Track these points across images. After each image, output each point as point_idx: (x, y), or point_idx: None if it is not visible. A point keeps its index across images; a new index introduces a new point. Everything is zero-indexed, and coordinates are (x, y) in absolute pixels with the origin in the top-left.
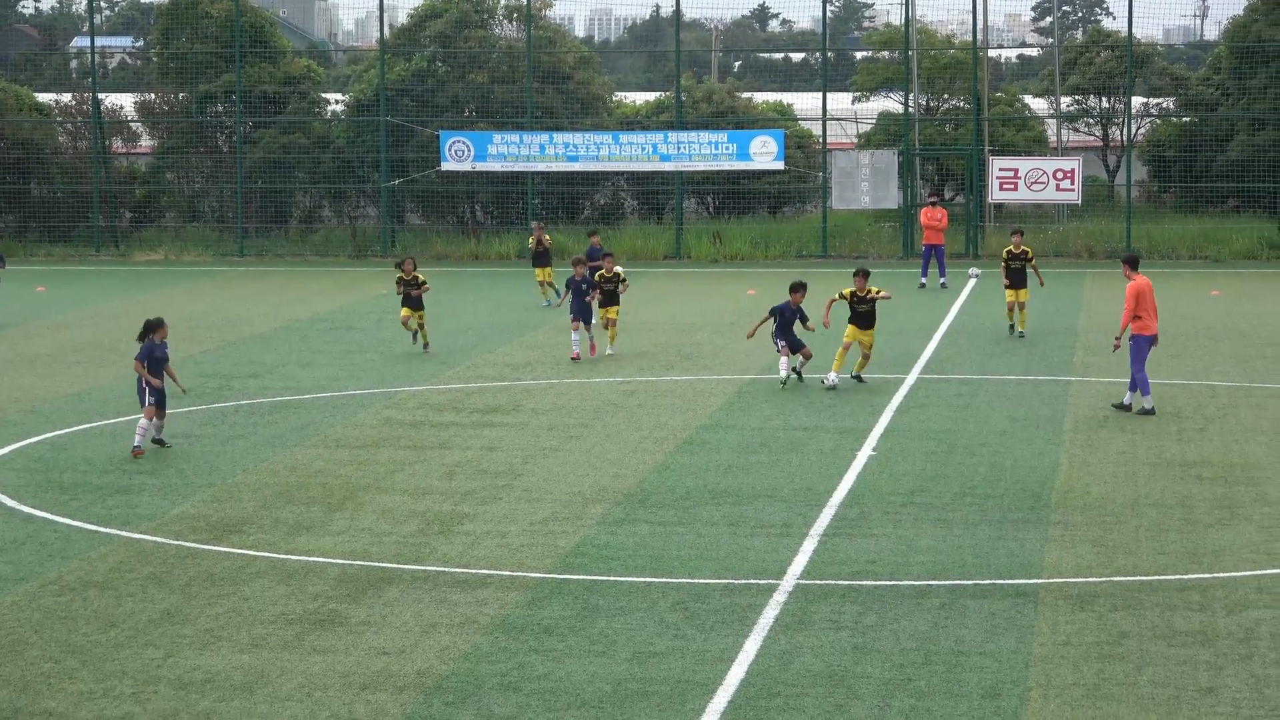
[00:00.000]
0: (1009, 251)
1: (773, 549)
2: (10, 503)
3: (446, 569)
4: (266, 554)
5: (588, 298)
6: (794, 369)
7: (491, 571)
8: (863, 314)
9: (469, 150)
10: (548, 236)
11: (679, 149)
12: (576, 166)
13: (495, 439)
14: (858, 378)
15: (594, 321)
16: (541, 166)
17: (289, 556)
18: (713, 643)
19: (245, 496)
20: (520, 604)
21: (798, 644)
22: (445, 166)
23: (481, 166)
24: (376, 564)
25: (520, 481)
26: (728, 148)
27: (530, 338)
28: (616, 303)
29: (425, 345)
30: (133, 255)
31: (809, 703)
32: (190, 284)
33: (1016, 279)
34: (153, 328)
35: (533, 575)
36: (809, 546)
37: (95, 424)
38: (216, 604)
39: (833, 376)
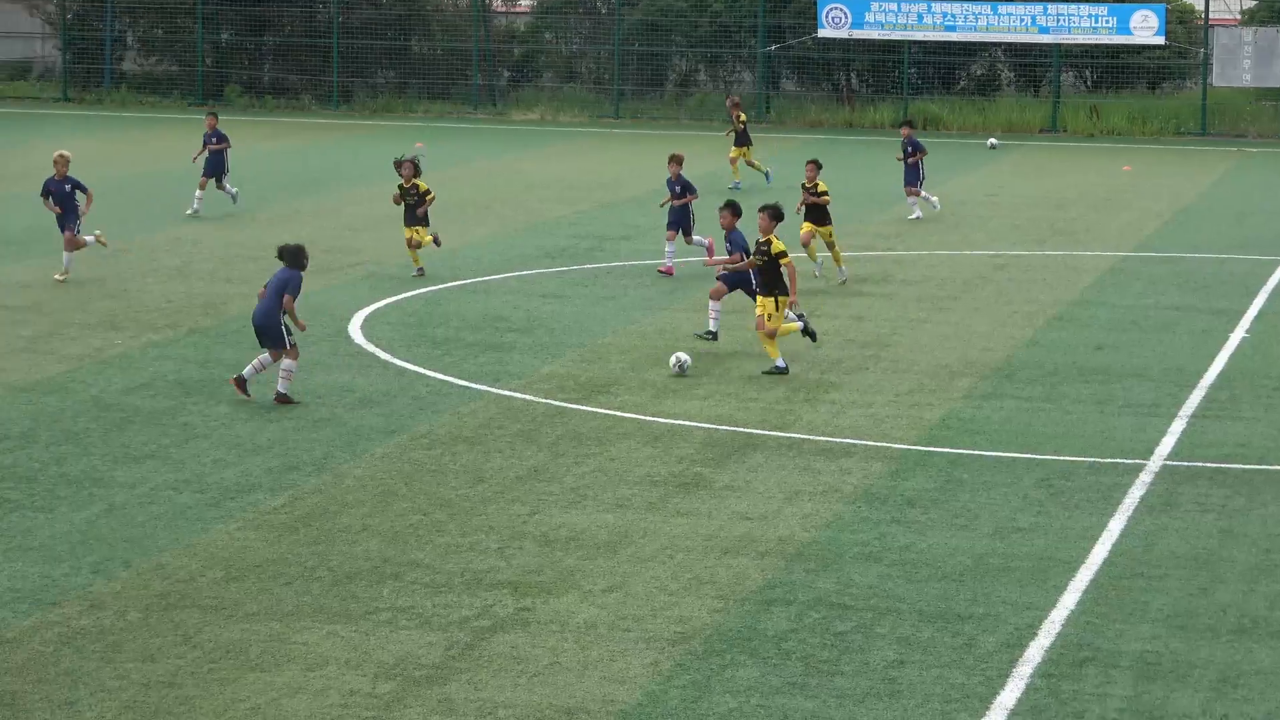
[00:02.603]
0: None
1: (1140, 429)
2: (384, 355)
3: (811, 437)
4: (633, 415)
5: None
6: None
7: (856, 441)
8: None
9: (846, 17)
10: (743, 115)
11: (1058, 21)
12: (954, 36)
13: (863, 309)
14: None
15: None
16: (919, 35)
17: (655, 419)
18: (1076, 521)
19: (614, 357)
20: (884, 475)
21: (1162, 525)
22: (822, 33)
23: (858, 34)
24: (742, 429)
25: (887, 352)
26: (1107, 21)
27: (902, 207)
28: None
29: (419, 270)
30: (509, 114)
31: (1172, 584)
32: (565, 144)
33: None
34: (298, 254)
35: (897, 446)
36: (1177, 428)
37: (468, 281)
38: (583, 463)
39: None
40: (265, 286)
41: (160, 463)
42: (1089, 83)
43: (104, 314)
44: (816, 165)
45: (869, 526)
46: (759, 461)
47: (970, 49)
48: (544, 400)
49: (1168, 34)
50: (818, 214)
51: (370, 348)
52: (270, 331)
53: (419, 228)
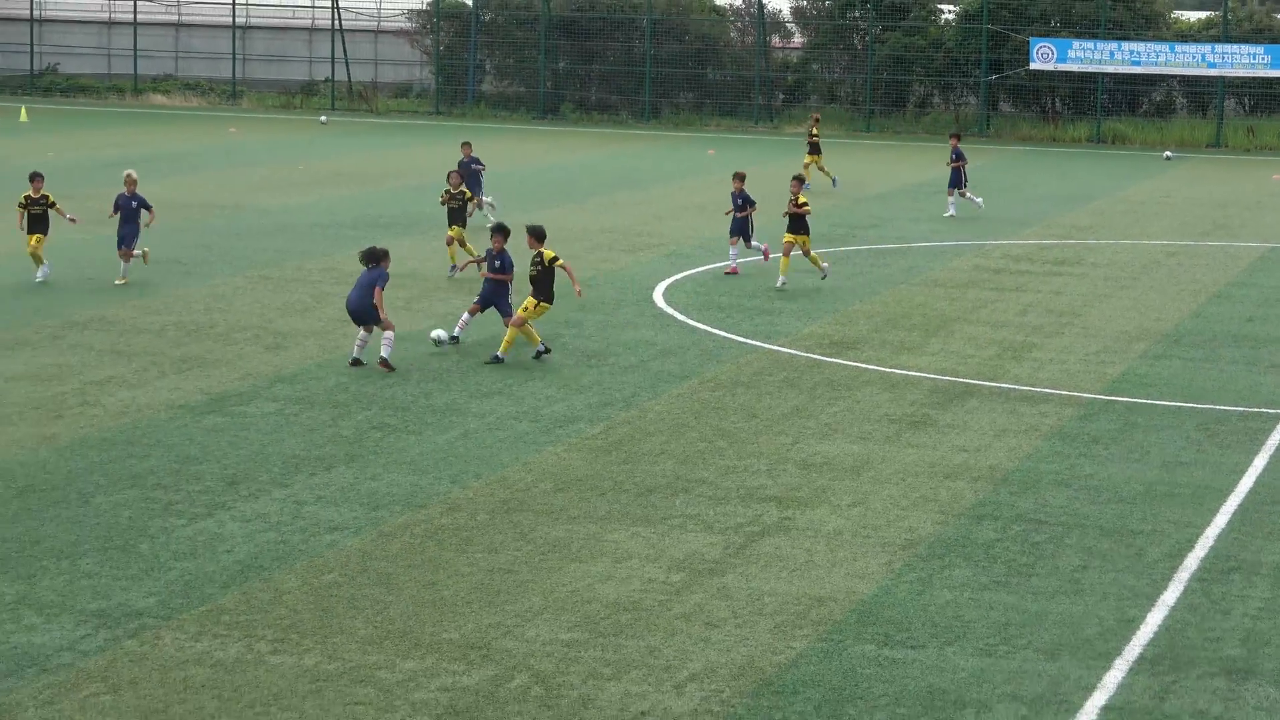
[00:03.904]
0: None
1: None
2: (680, 317)
3: (1016, 386)
4: (875, 367)
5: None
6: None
7: (1052, 390)
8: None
9: (1053, 54)
10: (817, 130)
11: (1222, 59)
12: (1139, 69)
13: (1061, 285)
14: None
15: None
16: (1110, 69)
17: (892, 370)
18: (1228, 457)
19: (860, 321)
20: (1074, 418)
21: None
22: (1033, 66)
23: (1062, 67)
24: (961, 379)
25: (1079, 320)
26: (1263, 58)
27: (1094, 205)
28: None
29: (455, 267)
30: (782, 128)
31: None
32: (826, 152)
33: None
34: (380, 257)
35: (1085, 395)
36: None
37: (748, 259)
38: (834, 404)
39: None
40: (356, 284)
41: (504, 398)
42: (1247, 108)
43: (465, 276)
44: (800, 181)
45: (1061, 459)
46: (974, 405)
47: (1151, 80)
48: (804, 354)
49: None
50: (797, 224)
51: (669, 310)
52: (365, 314)
53: (458, 227)
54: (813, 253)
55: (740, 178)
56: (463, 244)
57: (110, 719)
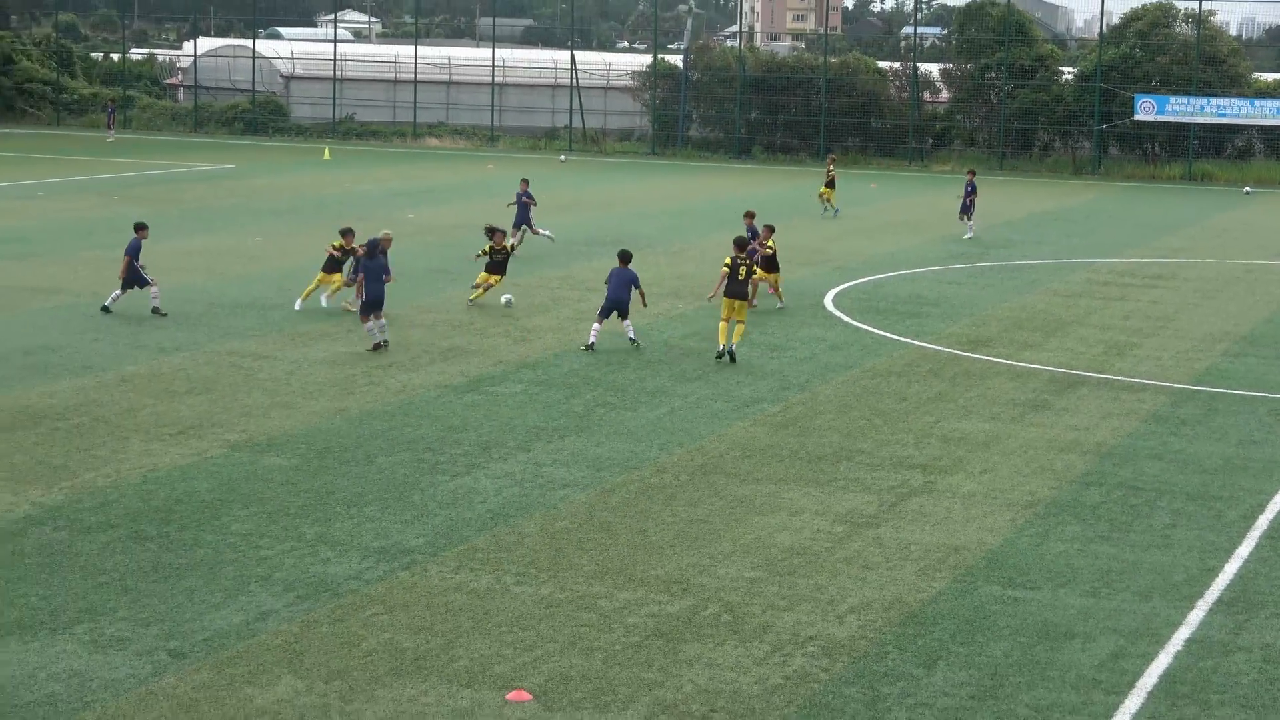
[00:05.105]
0: None
1: None
2: (845, 318)
3: (1119, 378)
4: (1004, 360)
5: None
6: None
7: (1149, 381)
8: (766, 259)
9: (1153, 107)
10: (833, 169)
11: None
12: (1224, 120)
13: (1158, 296)
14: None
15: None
16: (1201, 119)
17: (1017, 363)
18: None
19: (992, 324)
20: (1166, 404)
21: None
22: (1137, 117)
23: (1161, 118)
24: (1074, 371)
25: (1172, 325)
26: None
27: (1186, 231)
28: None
29: (473, 299)
30: (930, 167)
31: None
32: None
33: None
34: (374, 247)
35: (1175, 385)
36: None
37: (901, 272)
38: (970, 390)
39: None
40: (362, 275)
41: (703, 383)
42: None
43: (674, 282)
44: (770, 229)
45: (1155, 437)
46: (1084, 393)
47: (1234, 129)
48: (947, 350)
49: None
50: (768, 264)
51: (837, 313)
52: (383, 302)
53: (496, 276)
54: (779, 287)
55: (750, 215)
56: (488, 288)
57: (387, 634)
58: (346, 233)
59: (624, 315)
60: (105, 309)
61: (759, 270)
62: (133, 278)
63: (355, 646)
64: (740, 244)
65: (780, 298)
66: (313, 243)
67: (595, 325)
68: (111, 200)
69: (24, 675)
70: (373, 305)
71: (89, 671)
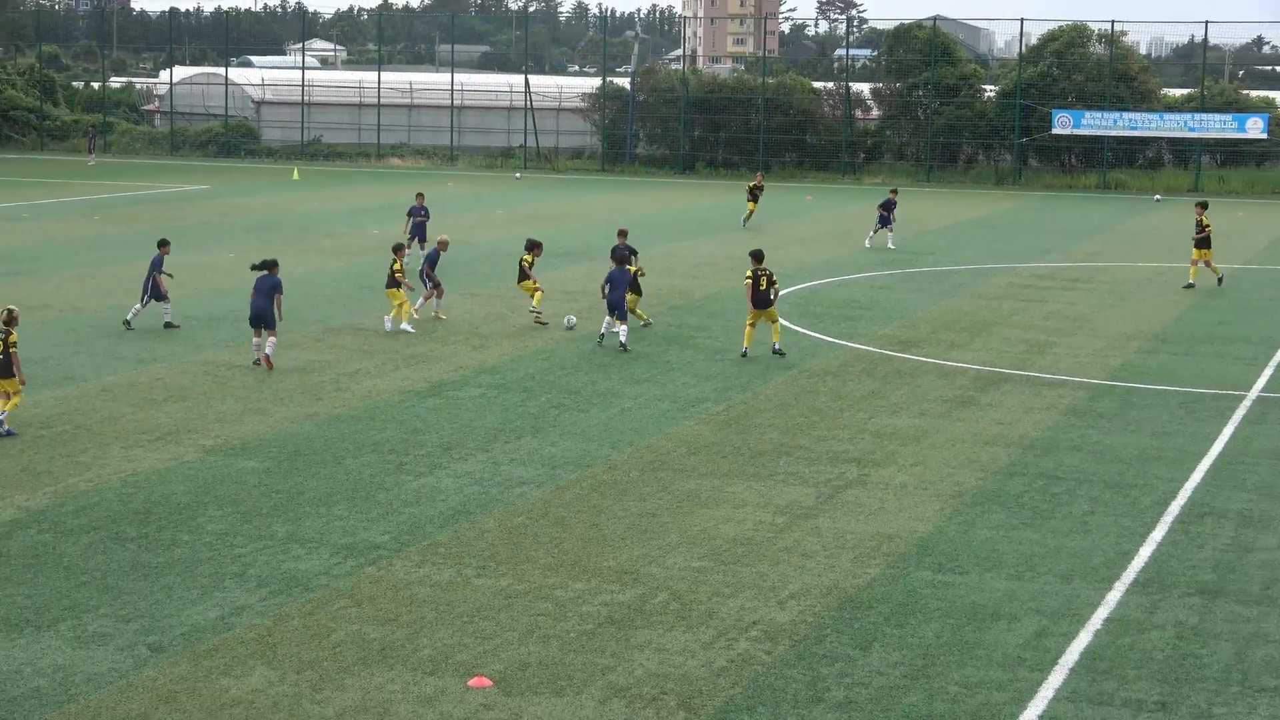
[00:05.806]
0: None
1: (1244, 372)
2: (783, 322)
3: (1040, 375)
4: (932, 360)
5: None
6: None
7: (1068, 377)
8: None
9: (1070, 122)
10: (761, 185)
11: (1200, 124)
12: (1135, 133)
13: (1075, 298)
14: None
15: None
16: (1114, 133)
17: (945, 362)
18: (1202, 428)
19: (921, 325)
20: (1084, 398)
21: (1256, 432)
22: (1054, 131)
23: (1077, 132)
24: (997, 369)
25: (1088, 324)
26: (1231, 124)
27: (1100, 236)
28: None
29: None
30: (861, 180)
31: (1262, 468)
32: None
33: None
34: (269, 265)
35: (1092, 381)
36: (1268, 371)
37: (836, 279)
38: (901, 388)
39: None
40: (255, 290)
41: (651, 385)
42: (1219, 161)
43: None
44: (634, 254)
45: (1074, 429)
46: (1008, 389)
47: (1145, 141)
48: (879, 350)
49: (1270, 130)
50: (635, 286)
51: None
52: (266, 319)
53: (528, 282)
54: (639, 310)
55: (623, 234)
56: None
57: (355, 626)
58: (398, 248)
59: (623, 319)
60: (127, 324)
61: (631, 294)
62: (154, 291)
63: (325, 638)
64: (757, 256)
65: (642, 317)
66: (284, 259)
67: (606, 319)
68: (93, 220)
69: (10, 671)
70: (256, 320)
71: (72, 666)
